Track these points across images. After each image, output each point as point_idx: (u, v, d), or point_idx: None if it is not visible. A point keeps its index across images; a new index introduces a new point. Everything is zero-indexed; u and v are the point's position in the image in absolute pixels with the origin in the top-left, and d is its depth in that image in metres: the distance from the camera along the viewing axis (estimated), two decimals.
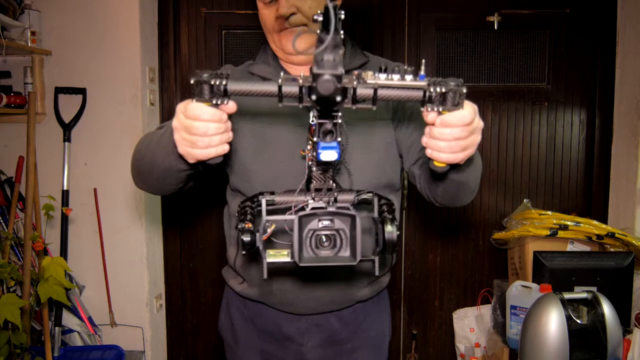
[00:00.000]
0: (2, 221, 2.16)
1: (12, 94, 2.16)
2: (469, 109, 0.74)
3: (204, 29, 2.45)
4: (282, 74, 0.70)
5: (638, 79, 2.34)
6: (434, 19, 2.46)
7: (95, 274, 2.31)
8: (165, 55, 2.43)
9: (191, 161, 0.83)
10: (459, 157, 0.79)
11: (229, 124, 0.80)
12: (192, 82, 0.72)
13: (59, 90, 2.24)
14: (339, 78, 0.61)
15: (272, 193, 0.84)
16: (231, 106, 0.76)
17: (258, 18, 1.09)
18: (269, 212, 0.82)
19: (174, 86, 2.46)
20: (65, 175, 2.24)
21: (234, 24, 2.45)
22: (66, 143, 2.24)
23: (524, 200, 2.42)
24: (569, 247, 2.19)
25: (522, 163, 2.53)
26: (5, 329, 1.81)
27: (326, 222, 0.74)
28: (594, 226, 2.17)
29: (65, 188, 2.23)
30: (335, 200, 0.80)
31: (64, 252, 2.24)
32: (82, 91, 2.24)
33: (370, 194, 0.83)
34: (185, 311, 2.61)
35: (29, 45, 2.14)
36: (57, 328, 2.16)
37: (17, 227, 2.18)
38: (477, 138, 0.80)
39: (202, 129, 0.76)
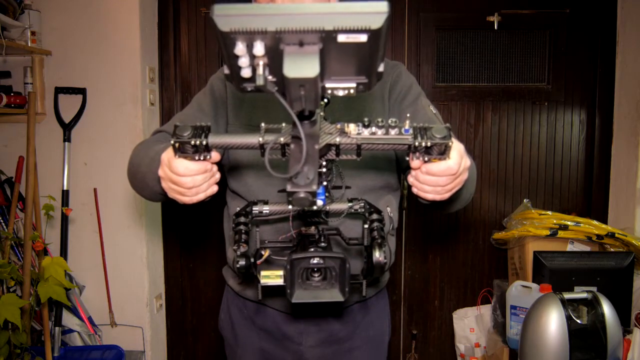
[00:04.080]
0: (2, 221, 2.16)
1: (12, 94, 2.16)
2: (455, 159, 0.73)
3: (204, 29, 2.45)
4: (262, 125, 0.70)
5: (638, 79, 2.34)
6: (434, 19, 2.46)
7: (95, 274, 2.31)
8: (165, 55, 2.43)
9: (181, 203, 0.84)
10: (445, 196, 0.80)
11: (215, 167, 0.80)
12: (172, 142, 0.71)
13: (59, 90, 2.24)
14: (313, 194, 0.61)
15: (266, 202, 0.84)
16: (214, 156, 0.75)
17: None
18: (262, 222, 0.83)
19: (174, 86, 2.46)
20: (65, 175, 2.24)
21: None
22: (66, 143, 2.24)
23: (524, 200, 2.42)
24: (569, 247, 2.19)
25: (522, 163, 2.53)
26: (5, 329, 1.81)
27: (317, 259, 0.75)
28: (594, 226, 2.17)
29: (65, 188, 2.23)
30: (327, 214, 0.81)
31: (64, 252, 2.24)
32: (82, 91, 2.24)
33: (362, 204, 0.84)
34: (185, 311, 2.61)
35: (29, 45, 2.14)
36: (57, 328, 2.16)
37: (17, 227, 2.18)
38: (464, 177, 0.80)
39: (190, 184, 0.76)
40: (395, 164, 1.13)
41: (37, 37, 2.17)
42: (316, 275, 0.76)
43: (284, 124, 0.70)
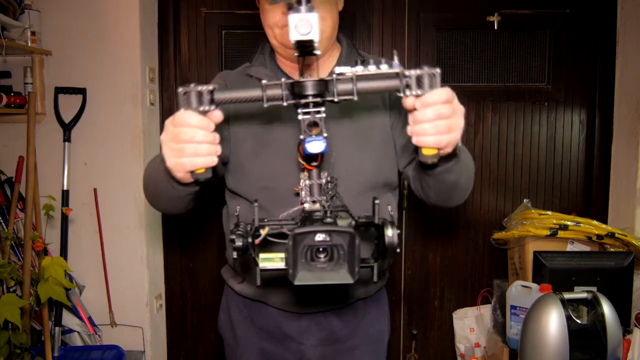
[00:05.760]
0: (2, 221, 2.16)
1: (12, 94, 2.16)
2: (446, 89, 0.78)
3: (204, 29, 2.45)
4: (263, 82, 0.74)
5: (638, 79, 2.34)
6: (434, 19, 2.46)
7: (95, 274, 2.31)
8: (165, 55, 2.43)
9: (180, 174, 0.83)
10: (444, 138, 0.79)
11: (217, 136, 0.80)
12: (179, 91, 0.75)
13: (59, 90, 2.24)
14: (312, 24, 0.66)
15: (263, 220, 0.83)
16: (217, 115, 0.78)
17: (258, 18, 1.09)
18: (262, 199, 0.81)
19: (174, 86, 2.46)
20: (65, 175, 2.24)
21: (234, 24, 2.45)
22: (66, 143, 2.24)
23: (524, 200, 2.42)
24: (569, 247, 2.19)
25: (522, 163, 2.53)
26: (5, 329, 1.81)
27: (323, 236, 0.69)
28: (594, 226, 2.16)
29: (65, 188, 2.23)
30: (335, 215, 0.78)
31: (64, 252, 2.24)
32: (82, 91, 2.24)
33: (364, 219, 0.82)
34: (185, 311, 2.61)
35: (29, 45, 2.14)
36: (57, 328, 2.16)
37: (17, 227, 2.18)
38: (461, 121, 0.82)
39: (189, 134, 0.76)
40: (395, 163, 1.13)
41: (37, 37, 2.17)
42: (322, 256, 0.70)
43: (283, 79, 0.74)
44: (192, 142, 0.77)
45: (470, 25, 2.47)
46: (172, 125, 0.78)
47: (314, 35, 0.66)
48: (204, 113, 0.76)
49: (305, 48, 0.69)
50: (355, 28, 2.45)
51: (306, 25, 0.66)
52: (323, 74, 0.84)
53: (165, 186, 0.92)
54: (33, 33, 2.15)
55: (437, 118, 0.77)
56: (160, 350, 2.52)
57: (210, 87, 0.75)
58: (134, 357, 2.32)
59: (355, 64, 0.74)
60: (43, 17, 2.20)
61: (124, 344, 2.27)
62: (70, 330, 2.24)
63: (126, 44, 2.22)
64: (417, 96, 0.76)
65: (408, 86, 0.76)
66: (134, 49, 2.22)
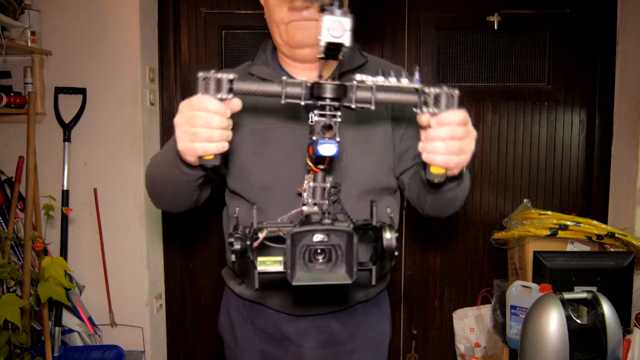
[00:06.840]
0: (2, 221, 2.16)
1: (12, 94, 2.16)
2: (462, 111, 0.78)
3: (204, 29, 2.45)
4: (283, 78, 0.74)
5: (638, 79, 2.34)
6: (434, 19, 2.46)
7: (95, 274, 2.31)
8: (165, 55, 2.43)
9: (190, 158, 0.83)
10: (454, 159, 0.79)
11: (231, 122, 0.81)
12: (199, 75, 0.75)
13: (59, 90, 2.24)
14: (346, 24, 0.66)
15: (261, 223, 0.83)
16: (237, 103, 0.78)
17: (258, 18, 1.09)
18: (263, 203, 0.81)
19: (174, 86, 2.46)
20: (65, 175, 2.24)
21: (234, 24, 2.45)
22: (66, 143, 2.24)
23: (524, 200, 2.42)
24: (569, 247, 2.19)
25: (522, 163, 2.53)
26: (5, 329, 1.81)
27: (321, 237, 0.70)
28: (594, 226, 2.16)
29: (65, 188, 2.23)
30: (333, 217, 0.79)
31: (64, 252, 2.24)
32: (82, 91, 2.24)
33: (363, 221, 0.81)
34: (185, 311, 2.61)
35: (29, 45, 2.14)
36: (57, 328, 2.16)
37: (17, 227, 2.18)
38: (472, 145, 0.82)
39: (207, 119, 0.77)
40: (393, 169, 1.13)
41: (37, 37, 2.17)
42: (320, 257, 0.70)
43: (304, 79, 0.74)
44: (207, 127, 0.77)
45: (470, 25, 2.47)
46: (189, 108, 0.78)
47: (346, 40, 0.66)
48: (220, 101, 0.77)
49: (332, 51, 0.69)
50: (355, 28, 2.44)
51: (340, 28, 0.65)
52: (325, 74, 0.83)
53: (173, 171, 0.92)
54: (33, 33, 2.15)
55: (449, 138, 0.78)
56: (160, 350, 2.52)
57: (231, 76, 0.75)
58: (134, 357, 2.32)
59: (377, 74, 0.74)
60: (43, 17, 2.20)
61: (124, 344, 2.27)
62: (70, 330, 2.24)
63: (126, 44, 2.22)
64: (433, 114, 0.77)
65: (425, 103, 0.76)
66: (134, 49, 2.22)
